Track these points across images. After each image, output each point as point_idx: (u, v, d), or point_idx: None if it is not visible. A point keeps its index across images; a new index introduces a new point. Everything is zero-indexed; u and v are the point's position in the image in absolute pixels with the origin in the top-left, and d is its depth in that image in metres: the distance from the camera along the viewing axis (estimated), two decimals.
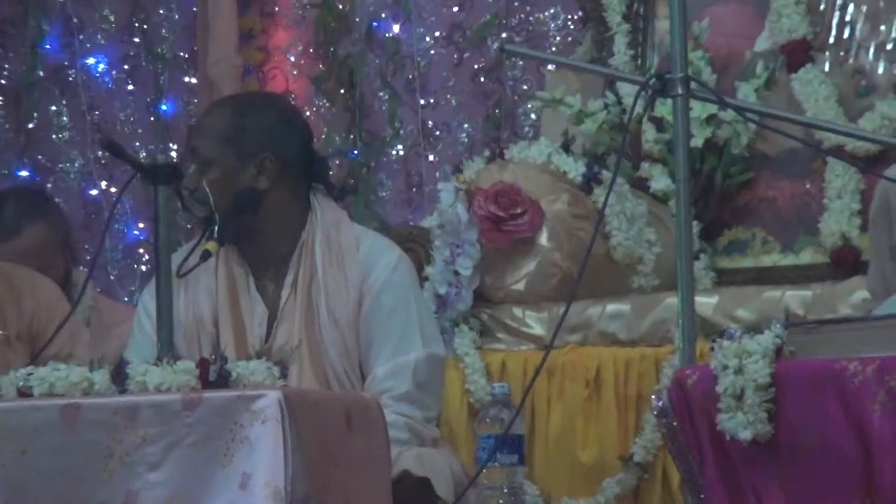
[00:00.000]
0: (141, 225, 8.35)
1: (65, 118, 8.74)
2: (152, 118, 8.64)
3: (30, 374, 4.74)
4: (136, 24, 8.73)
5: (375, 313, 5.53)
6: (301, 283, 5.61)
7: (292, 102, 7.88)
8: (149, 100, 8.64)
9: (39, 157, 8.71)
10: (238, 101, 6.25)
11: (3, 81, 8.94)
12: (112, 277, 8.35)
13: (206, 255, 5.45)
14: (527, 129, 7.79)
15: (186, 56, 8.55)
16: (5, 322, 5.80)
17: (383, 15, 8.23)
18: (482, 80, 8.05)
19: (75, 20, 8.76)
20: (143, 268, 8.44)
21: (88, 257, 8.38)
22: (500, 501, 5.02)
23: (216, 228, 5.65)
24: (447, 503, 5.13)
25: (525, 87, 7.93)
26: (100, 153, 8.57)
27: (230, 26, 8.31)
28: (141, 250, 8.38)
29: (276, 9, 8.36)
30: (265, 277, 5.66)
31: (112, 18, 8.74)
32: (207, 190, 5.55)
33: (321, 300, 5.55)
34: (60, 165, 8.65)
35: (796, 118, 6.15)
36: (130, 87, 8.72)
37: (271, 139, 5.65)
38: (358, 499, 4.69)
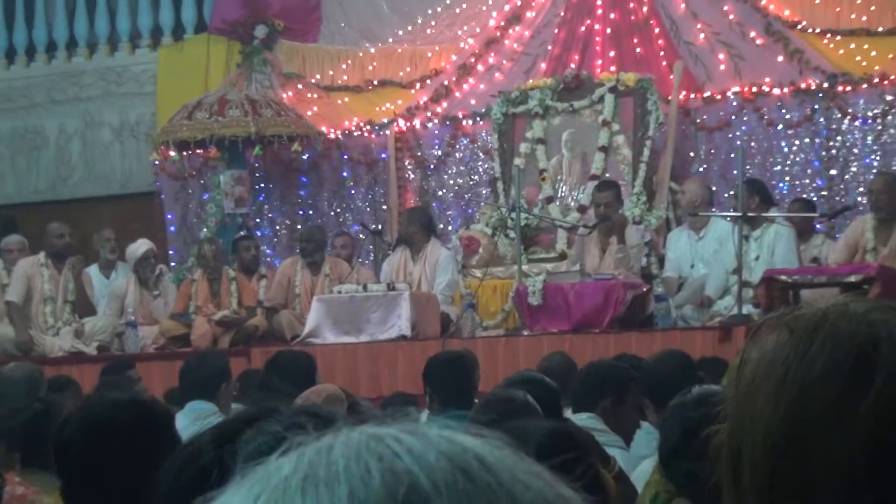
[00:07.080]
0: (371, 247, 8.66)
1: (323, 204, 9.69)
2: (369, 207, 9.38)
3: (342, 284, 6.67)
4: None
5: (439, 271, 7.28)
6: (422, 259, 7.37)
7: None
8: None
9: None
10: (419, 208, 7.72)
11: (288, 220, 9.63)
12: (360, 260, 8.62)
13: (393, 252, 7.50)
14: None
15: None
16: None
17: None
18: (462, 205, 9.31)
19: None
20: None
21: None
22: (469, 320, 7.27)
23: (398, 241, 7.31)
24: (455, 322, 7.03)
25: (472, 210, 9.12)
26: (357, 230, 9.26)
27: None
28: (370, 253, 8.78)
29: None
30: (414, 255, 7.43)
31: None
32: (411, 233, 7.22)
33: (427, 264, 7.31)
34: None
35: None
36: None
37: (431, 221, 7.42)
38: (430, 321, 6.65)
